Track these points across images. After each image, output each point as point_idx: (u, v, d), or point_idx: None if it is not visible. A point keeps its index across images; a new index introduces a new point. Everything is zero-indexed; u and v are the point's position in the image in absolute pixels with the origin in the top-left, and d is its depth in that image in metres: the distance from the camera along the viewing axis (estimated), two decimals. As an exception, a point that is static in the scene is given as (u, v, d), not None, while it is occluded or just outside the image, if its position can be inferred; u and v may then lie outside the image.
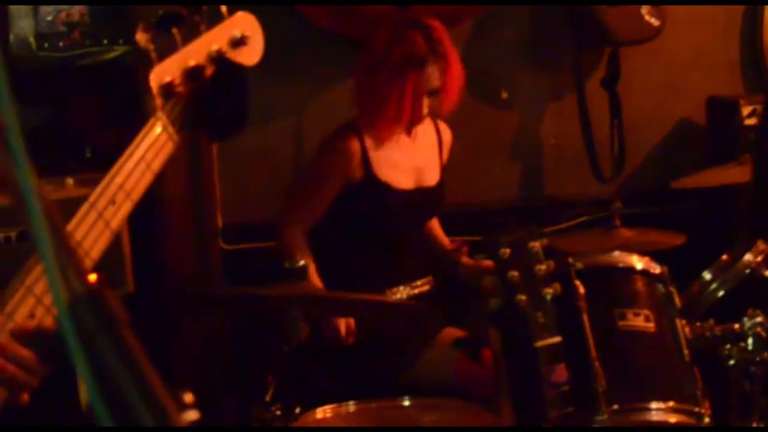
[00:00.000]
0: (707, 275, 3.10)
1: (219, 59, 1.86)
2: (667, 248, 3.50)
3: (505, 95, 4.58)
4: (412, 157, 3.57)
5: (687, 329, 2.72)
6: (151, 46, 1.80)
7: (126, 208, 1.69)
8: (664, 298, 2.74)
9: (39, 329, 1.55)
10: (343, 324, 3.24)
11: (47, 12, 4.18)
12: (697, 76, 4.79)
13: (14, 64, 3.95)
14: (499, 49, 4.56)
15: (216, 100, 1.84)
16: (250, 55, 1.93)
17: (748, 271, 3.07)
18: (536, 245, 2.21)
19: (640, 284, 2.73)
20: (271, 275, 2.88)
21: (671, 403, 2.58)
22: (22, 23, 3.99)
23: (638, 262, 2.76)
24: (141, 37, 1.81)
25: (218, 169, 4.20)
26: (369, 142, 3.47)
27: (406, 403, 2.86)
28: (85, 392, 0.85)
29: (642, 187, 4.71)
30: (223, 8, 1.91)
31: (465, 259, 3.57)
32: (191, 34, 1.86)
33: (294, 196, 3.59)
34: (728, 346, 2.80)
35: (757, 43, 4.83)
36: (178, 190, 4.07)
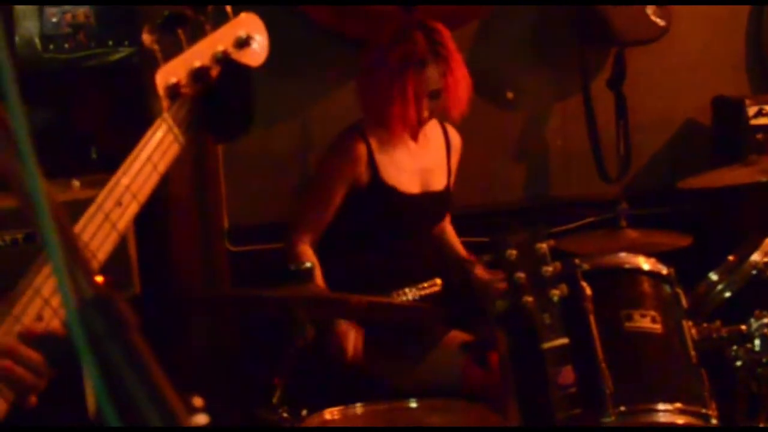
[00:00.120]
0: (714, 276, 3.10)
1: (224, 60, 1.86)
2: (673, 249, 3.49)
3: (510, 96, 4.58)
4: (418, 161, 3.56)
5: (694, 330, 2.72)
6: (157, 47, 1.80)
7: (132, 209, 1.69)
8: (671, 299, 2.74)
9: (48, 332, 1.55)
10: (351, 345, 3.24)
11: (52, 13, 4.17)
12: (703, 76, 4.78)
13: (19, 66, 3.93)
14: (504, 50, 4.55)
15: (222, 101, 1.83)
16: (256, 56, 1.93)
17: (754, 271, 3.06)
18: (543, 246, 2.21)
19: (646, 285, 2.72)
20: (278, 277, 2.88)
21: (678, 405, 2.57)
22: (28, 24, 3.99)
23: (645, 263, 2.75)
24: (146, 38, 1.81)
25: (223, 170, 4.20)
26: (375, 145, 3.47)
27: (413, 405, 2.86)
28: (92, 395, 0.85)
29: (648, 187, 4.70)
30: (228, 9, 1.91)
31: (479, 272, 3.55)
32: (196, 34, 1.86)
33: (303, 201, 3.59)
34: (735, 347, 2.80)
35: (762, 43, 4.82)
36: (184, 191, 4.07)
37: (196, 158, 4.08)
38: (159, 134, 1.75)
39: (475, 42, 4.42)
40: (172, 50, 1.82)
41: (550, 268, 2.20)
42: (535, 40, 4.61)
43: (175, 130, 1.76)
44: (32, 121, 0.95)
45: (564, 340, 2.19)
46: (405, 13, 3.98)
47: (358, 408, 2.85)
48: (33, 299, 1.57)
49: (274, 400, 2.63)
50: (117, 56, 4.12)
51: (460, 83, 3.46)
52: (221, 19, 1.90)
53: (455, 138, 3.72)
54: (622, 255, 2.80)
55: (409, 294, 3.50)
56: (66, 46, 4.21)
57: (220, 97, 1.83)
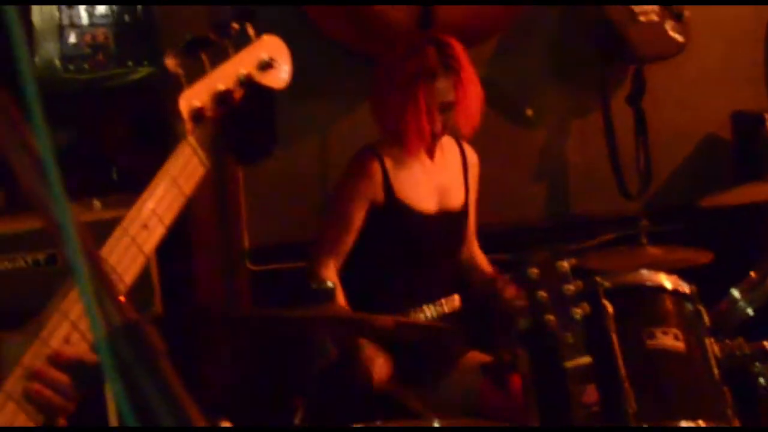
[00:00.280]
0: (735, 293, 3.09)
1: (248, 83, 1.87)
2: (694, 265, 3.48)
3: (530, 113, 4.58)
4: (434, 179, 3.56)
5: (716, 348, 2.71)
6: (180, 71, 1.81)
7: (158, 232, 1.70)
8: (693, 317, 2.74)
9: (77, 356, 1.56)
10: (377, 370, 3.24)
11: (72, 34, 4.20)
12: (722, 91, 4.77)
13: (40, 87, 3.97)
14: (523, 67, 4.56)
15: (245, 124, 1.84)
16: (279, 78, 1.94)
17: (776, 288, 3.05)
18: (565, 265, 2.21)
19: (668, 303, 2.72)
20: (299, 297, 2.89)
21: (701, 422, 2.56)
22: (47, 45, 4.01)
23: (667, 281, 2.75)
24: (170, 62, 1.81)
25: (244, 190, 4.21)
26: (390, 164, 3.47)
27: (436, 424, 2.86)
28: (115, 417, 0.86)
29: (668, 203, 4.69)
30: (251, 31, 1.92)
31: (510, 291, 3.51)
32: (219, 58, 1.87)
33: (323, 224, 3.59)
34: (758, 364, 2.79)
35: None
36: (205, 211, 4.08)
37: (217, 178, 4.10)
38: (184, 157, 1.76)
39: (494, 59, 4.43)
40: (196, 73, 1.83)
41: (572, 287, 2.20)
42: (554, 57, 4.61)
43: (200, 153, 1.77)
44: (52, 141, 0.96)
45: (587, 359, 2.19)
46: (422, 31, 4.00)
47: (379, 426, 2.85)
48: (61, 322, 1.58)
49: (297, 420, 2.63)
50: (136, 76, 4.14)
51: (472, 96, 3.46)
52: (244, 42, 1.92)
53: (472, 155, 3.71)
54: (644, 273, 2.80)
55: (428, 312, 3.49)
56: (85, 66, 4.24)
57: (244, 120, 1.84)
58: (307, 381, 2.66)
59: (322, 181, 4.33)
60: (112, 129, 4.20)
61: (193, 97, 1.80)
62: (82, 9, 4.31)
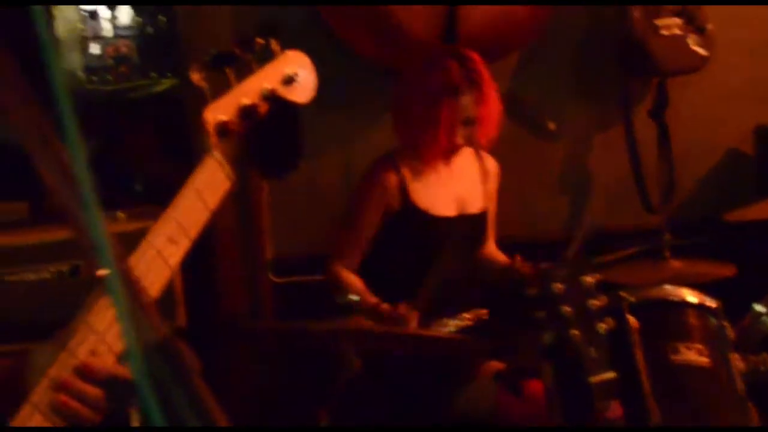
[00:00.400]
0: (759, 308, 3.08)
1: (272, 98, 1.88)
2: (717, 279, 3.47)
3: (552, 127, 4.58)
4: (452, 188, 3.57)
5: (741, 363, 2.70)
6: (205, 85, 1.82)
7: (184, 245, 1.71)
8: (717, 332, 2.73)
9: (103, 368, 1.57)
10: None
11: (95, 46, 4.23)
12: (745, 105, 4.76)
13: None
14: (545, 81, 4.56)
15: (270, 138, 1.85)
16: (303, 93, 1.95)
17: (801, 302, 3.04)
18: (589, 280, 2.20)
19: (692, 318, 2.71)
20: (322, 309, 2.89)
21: (726, 438, 2.56)
22: (71, 57, 4.04)
23: (690, 296, 2.74)
24: (195, 76, 1.83)
25: (268, 202, 4.22)
26: (406, 172, 3.49)
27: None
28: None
29: (691, 217, 4.67)
30: (276, 46, 1.93)
31: (526, 269, 3.52)
32: (244, 72, 1.88)
33: (338, 231, 3.61)
34: (783, 379, 2.77)
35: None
36: (229, 223, 4.09)
37: (241, 190, 4.11)
38: (209, 171, 1.77)
39: (516, 73, 4.44)
40: (220, 87, 1.84)
41: (596, 302, 2.20)
42: (576, 70, 4.61)
43: (225, 167, 1.78)
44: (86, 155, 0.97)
45: (611, 374, 2.18)
46: (445, 46, 4.00)
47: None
48: (88, 334, 1.58)
49: (320, 434, 2.63)
50: (160, 88, 4.17)
51: (493, 110, 3.47)
52: (268, 57, 1.92)
53: (491, 164, 3.72)
54: (668, 287, 2.79)
55: (451, 325, 3.49)
56: (109, 78, 4.26)
57: (269, 134, 1.85)
58: (331, 393, 2.66)
59: (346, 194, 4.32)
60: (135, 140, 4.22)
61: (219, 111, 1.81)
62: (105, 21, 4.34)
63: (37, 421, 1.57)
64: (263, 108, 1.86)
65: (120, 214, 3.57)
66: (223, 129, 1.80)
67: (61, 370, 1.57)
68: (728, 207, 4.01)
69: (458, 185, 3.59)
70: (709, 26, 4.42)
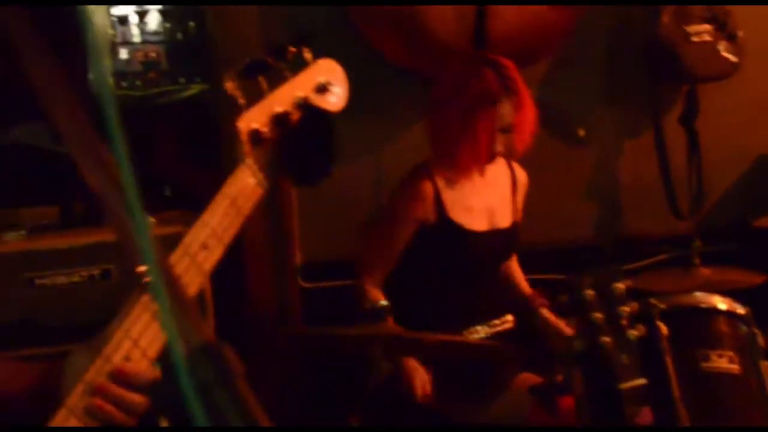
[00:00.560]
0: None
1: (305, 106, 1.89)
2: (746, 287, 3.46)
3: (582, 133, 4.58)
4: (484, 198, 3.55)
5: (771, 371, 2.70)
6: (239, 94, 1.83)
7: (218, 252, 1.73)
8: (748, 339, 2.72)
9: (138, 375, 1.59)
10: (420, 383, 3.24)
11: (124, 51, 4.25)
12: (775, 112, 4.75)
13: (94, 104, 4.01)
14: (575, 87, 4.55)
15: (303, 146, 1.86)
16: (335, 101, 1.96)
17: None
18: (620, 286, 2.20)
19: (723, 325, 2.71)
20: (350, 315, 2.90)
21: (756, 445, 2.55)
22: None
23: (721, 303, 2.74)
24: (229, 85, 1.84)
25: (297, 208, 4.24)
26: (441, 184, 3.46)
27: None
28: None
29: (721, 223, 4.66)
30: (308, 55, 1.94)
31: (545, 312, 3.54)
32: (277, 81, 1.89)
33: (371, 240, 3.59)
34: (813, 387, 2.76)
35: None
36: (258, 228, 4.11)
37: (271, 196, 4.12)
38: (243, 179, 1.78)
39: (546, 79, 4.43)
40: (254, 96, 1.86)
41: (627, 309, 2.19)
42: (606, 77, 4.61)
43: (259, 174, 1.80)
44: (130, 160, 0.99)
45: (642, 381, 2.18)
46: (476, 52, 4.00)
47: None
48: (123, 340, 1.61)
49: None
50: (189, 93, 4.18)
51: (530, 117, 3.44)
52: (301, 66, 1.94)
53: (521, 175, 3.70)
54: (698, 294, 2.79)
55: (481, 332, 3.49)
56: (138, 83, 4.28)
57: (302, 142, 1.86)
58: (360, 399, 2.67)
59: (375, 200, 4.34)
60: (164, 146, 4.24)
61: (252, 120, 1.82)
62: (134, 26, 4.37)
63: (72, 424, 1.59)
64: (296, 116, 1.87)
65: (150, 220, 3.58)
66: (256, 137, 1.82)
67: (96, 374, 1.60)
68: (758, 214, 4.00)
69: (490, 197, 3.57)
70: (740, 33, 4.40)
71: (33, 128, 4.01)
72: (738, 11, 4.42)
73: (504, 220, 3.58)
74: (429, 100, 3.57)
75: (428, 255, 3.47)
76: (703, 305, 2.74)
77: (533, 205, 3.76)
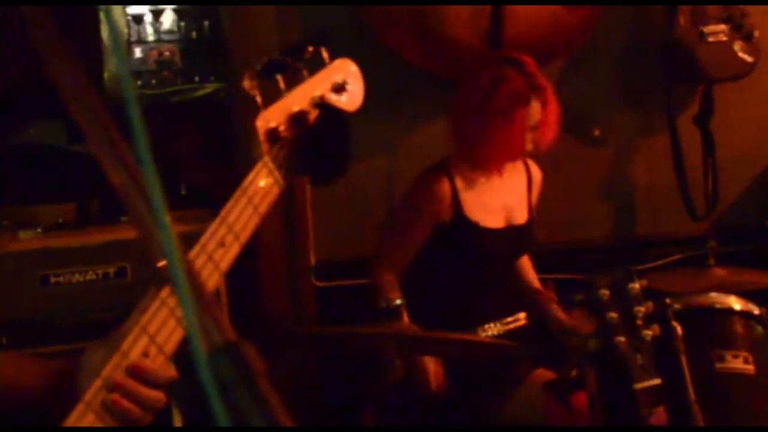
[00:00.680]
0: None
1: (322, 105, 1.90)
2: (761, 288, 3.45)
3: (597, 133, 4.57)
4: (501, 196, 3.55)
5: (786, 371, 2.69)
6: (257, 93, 1.84)
7: (235, 250, 1.73)
8: (763, 340, 2.72)
9: (155, 371, 1.60)
10: (433, 377, 3.24)
11: (139, 50, 4.27)
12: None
13: (109, 102, 4.04)
14: (590, 87, 4.55)
15: (320, 144, 1.87)
16: (352, 100, 1.97)
17: None
18: (635, 286, 2.21)
19: (738, 326, 2.71)
20: (365, 314, 2.91)
21: (771, 446, 2.55)
22: (115, 61, 4.08)
23: (736, 304, 2.74)
24: (247, 84, 1.85)
25: (311, 206, 4.24)
26: (459, 182, 3.46)
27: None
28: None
29: (736, 224, 4.65)
30: (325, 54, 1.95)
31: (554, 309, 3.53)
32: (294, 80, 1.90)
33: (386, 237, 3.60)
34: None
35: None
36: (272, 228, 4.11)
37: (284, 194, 4.13)
38: (260, 177, 1.79)
39: (561, 79, 4.43)
40: (270, 95, 1.87)
41: (642, 308, 2.20)
42: (621, 77, 4.60)
43: (276, 173, 1.81)
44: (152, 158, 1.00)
45: (657, 381, 2.18)
46: (493, 51, 4.00)
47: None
48: (140, 336, 1.61)
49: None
50: (203, 92, 4.21)
51: (555, 112, 3.44)
52: (318, 65, 1.95)
53: (536, 173, 3.70)
54: (713, 295, 2.79)
55: (495, 329, 3.49)
56: (153, 82, 4.31)
57: (318, 140, 1.87)
58: (375, 397, 2.68)
59: (389, 199, 4.35)
60: (178, 144, 4.25)
61: (269, 118, 1.83)
62: (149, 25, 4.39)
63: (89, 420, 1.60)
64: (313, 115, 1.88)
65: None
66: (273, 136, 1.82)
67: (113, 370, 1.61)
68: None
69: (507, 195, 3.56)
70: (756, 33, 4.39)
71: (49, 127, 4.03)
72: (754, 11, 4.41)
73: (520, 217, 3.59)
74: (457, 106, 3.54)
75: (444, 252, 3.48)
76: (718, 306, 2.74)
77: (548, 204, 3.77)
